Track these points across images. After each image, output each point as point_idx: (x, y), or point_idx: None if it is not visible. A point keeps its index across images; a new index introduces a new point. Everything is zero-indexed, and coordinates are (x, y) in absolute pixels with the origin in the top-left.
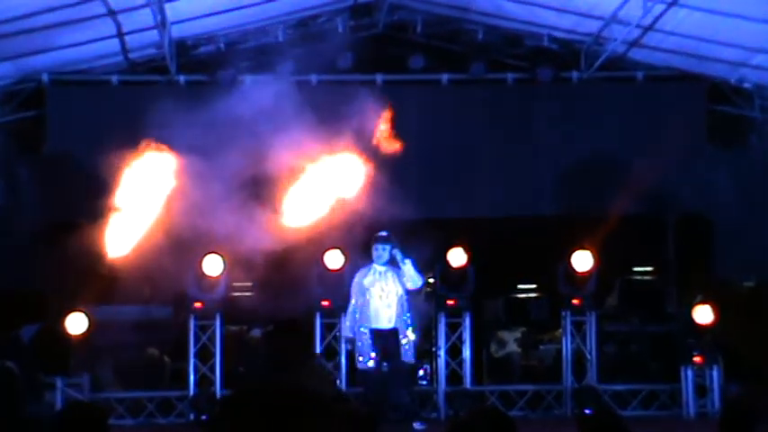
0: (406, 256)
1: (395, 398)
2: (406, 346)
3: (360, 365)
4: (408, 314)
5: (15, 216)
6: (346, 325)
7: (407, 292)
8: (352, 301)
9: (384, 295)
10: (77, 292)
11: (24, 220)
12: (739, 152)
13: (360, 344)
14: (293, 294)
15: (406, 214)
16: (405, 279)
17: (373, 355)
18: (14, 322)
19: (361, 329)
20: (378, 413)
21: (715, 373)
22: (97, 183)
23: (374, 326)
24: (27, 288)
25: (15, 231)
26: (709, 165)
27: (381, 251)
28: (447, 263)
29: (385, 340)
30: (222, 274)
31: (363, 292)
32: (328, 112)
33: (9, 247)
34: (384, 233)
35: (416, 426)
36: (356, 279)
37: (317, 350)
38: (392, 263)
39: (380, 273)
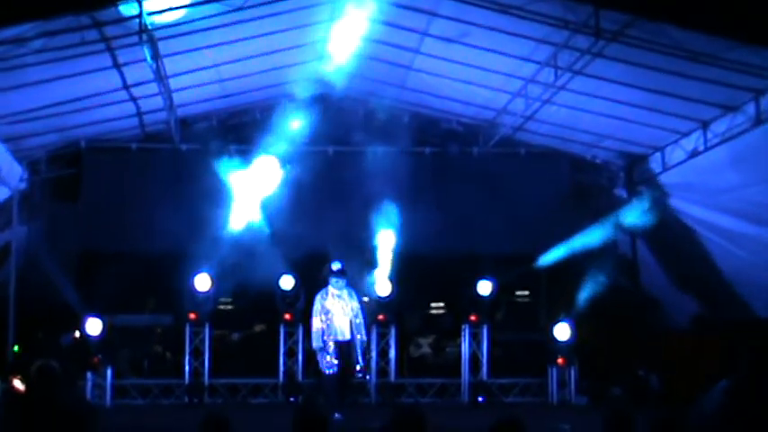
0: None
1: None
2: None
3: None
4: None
5: (54, 250)
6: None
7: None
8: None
9: (342, 313)
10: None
11: (61, 253)
12: (592, 210)
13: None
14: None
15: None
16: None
17: (335, 362)
18: (56, 331)
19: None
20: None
21: (572, 371)
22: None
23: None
24: (63, 303)
25: (54, 260)
26: (570, 218)
27: (342, 284)
28: (376, 291)
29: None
30: (211, 289)
31: (326, 312)
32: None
33: (49, 273)
34: (339, 266)
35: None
36: (317, 302)
37: (281, 352)
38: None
39: (338, 295)
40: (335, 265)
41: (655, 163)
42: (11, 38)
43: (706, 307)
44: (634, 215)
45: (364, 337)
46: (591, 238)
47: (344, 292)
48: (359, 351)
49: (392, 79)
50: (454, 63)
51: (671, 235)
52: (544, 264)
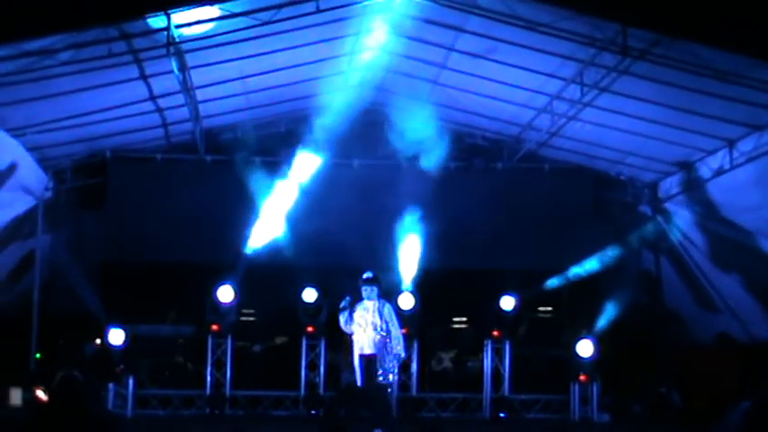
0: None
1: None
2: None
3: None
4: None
5: (77, 259)
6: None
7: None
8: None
9: (365, 326)
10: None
11: (84, 262)
12: (617, 226)
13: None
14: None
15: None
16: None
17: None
18: (78, 339)
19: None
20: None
21: (594, 388)
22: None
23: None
24: (86, 312)
25: (78, 269)
26: (594, 234)
27: (370, 291)
28: (398, 304)
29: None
30: (233, 301)
31: (352, 321)
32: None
33: (72, 282)
34: (370, 275)
35: None
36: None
37: (303, 364)
38: (382, 296)
39: (366, 308)
40: (365, 274)
41: (681, 180)
42: (39, 49)
43: (732, 324)
44: (665, 230)
45: (400, 354)
46: (614, 254)
47: (372, 304)
48: (386, 365)
49: (418, 93)
50: (480, 78)
51: (702, 251)
52: (567, 280)
